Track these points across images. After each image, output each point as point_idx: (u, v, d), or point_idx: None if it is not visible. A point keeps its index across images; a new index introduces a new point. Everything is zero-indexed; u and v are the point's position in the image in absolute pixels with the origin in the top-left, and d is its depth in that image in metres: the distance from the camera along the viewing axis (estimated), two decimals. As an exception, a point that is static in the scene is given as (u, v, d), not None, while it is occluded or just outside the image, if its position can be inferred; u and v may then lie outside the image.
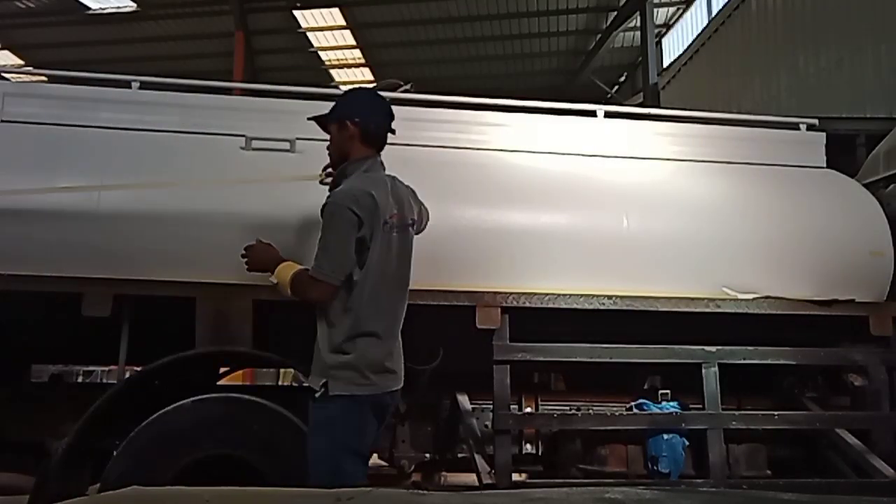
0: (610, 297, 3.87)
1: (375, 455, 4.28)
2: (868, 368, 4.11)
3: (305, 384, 3.19)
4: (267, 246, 3.20)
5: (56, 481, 3.37)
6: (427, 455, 4.24)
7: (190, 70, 14.64)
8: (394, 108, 3.26)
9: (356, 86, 3.40)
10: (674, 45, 18.59)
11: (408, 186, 3.31)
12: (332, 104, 3.25)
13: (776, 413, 4.03)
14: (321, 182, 3.38)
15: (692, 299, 3.94)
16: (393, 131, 3.23)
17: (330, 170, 3.34)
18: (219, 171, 3.84)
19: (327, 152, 3.30)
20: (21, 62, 19.78)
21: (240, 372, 5.54)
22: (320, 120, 3.28)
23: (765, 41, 13.05)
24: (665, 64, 18.49)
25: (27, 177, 3.69)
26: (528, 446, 4.16)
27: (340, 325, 2.99)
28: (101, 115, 3.99)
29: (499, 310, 3.78)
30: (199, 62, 18.67)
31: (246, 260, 3.20)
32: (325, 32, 18.72)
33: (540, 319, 3.85)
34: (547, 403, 4.20)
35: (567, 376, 4.48)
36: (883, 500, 3.41)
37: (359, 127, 3.14)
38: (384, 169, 3.22)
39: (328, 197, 3.06)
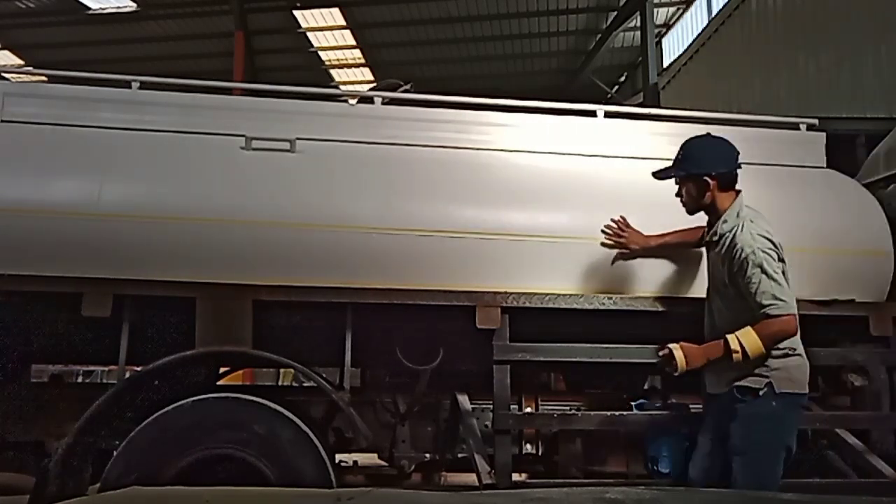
0: (610, 297, 3.87)
1: (375, 455, 4.30)
2: (868, 368, 4.11)
3: (306, 384, 3.19)
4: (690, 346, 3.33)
5: (56, 481, 3.37)
6: (427, 455, 4.24)
7: (190, 70, 14.69)
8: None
9: (694, 135, 3.60)
10: (674, 45, 18.60)
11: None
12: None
13: (776, 413, 4.02)
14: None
15: (693, 299, 3.93)
16: (740, 166, 3.41)
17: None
18: (219, 171, 3.84)
19: (680, 200, 3.53)
20: (21, 62, 19.79)
21: (240, 372, 5.53)
22: (666, 175, 3.53)
23: (765, 41, 13.04)
24: (665, 64, 18.50)
25: (27, 177, 3.69)
26: (528, 446, 4.16)
27: None
28: (101, 115, 3.98)
29: (499, 310, 3.77)
30: (199, 62, 18.69)
31: (679, 365, 3.28)
32: (325, 32, 18.72)
33: (540, 319, 3.85)
34: (547, 403, 4.19)
35: (567, 376, 4.47)
36: (883, 500, 3.41)
37: (717, 179, 3.38)
38: None
39: (738, 245, 3.25)
